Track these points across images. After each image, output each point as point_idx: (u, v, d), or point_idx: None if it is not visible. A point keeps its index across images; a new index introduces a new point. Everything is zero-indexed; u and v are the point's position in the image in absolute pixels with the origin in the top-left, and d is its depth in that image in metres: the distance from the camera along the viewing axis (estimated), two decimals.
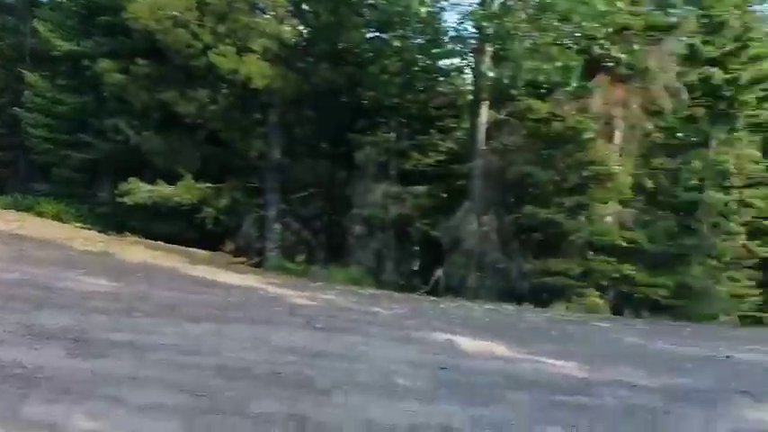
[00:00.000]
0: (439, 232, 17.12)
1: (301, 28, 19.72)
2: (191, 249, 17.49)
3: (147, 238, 18.26)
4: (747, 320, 17.71)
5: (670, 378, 8.21)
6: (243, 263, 17.16)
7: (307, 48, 19.34)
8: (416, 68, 16.51)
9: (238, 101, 17.70)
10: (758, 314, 18.17)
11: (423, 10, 14.10)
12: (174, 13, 15.89)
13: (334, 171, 19.26)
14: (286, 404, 5.40)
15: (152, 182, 17.59)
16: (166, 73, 17.63)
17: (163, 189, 17.24)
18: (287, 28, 17.04)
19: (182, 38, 16.15)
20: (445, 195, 17.57)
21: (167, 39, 16.32)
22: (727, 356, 10.35)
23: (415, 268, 19.31)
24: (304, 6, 18.73)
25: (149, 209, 17.75)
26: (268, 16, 16.76)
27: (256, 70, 15.83)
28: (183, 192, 17.24)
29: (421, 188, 17.50)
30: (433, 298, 15.01)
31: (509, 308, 14.50)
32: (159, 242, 17.90)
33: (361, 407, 5.63)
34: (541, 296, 16.35)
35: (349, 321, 9.68)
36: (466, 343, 9.02)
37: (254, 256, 17.86)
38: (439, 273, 16.48)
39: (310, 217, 19.21)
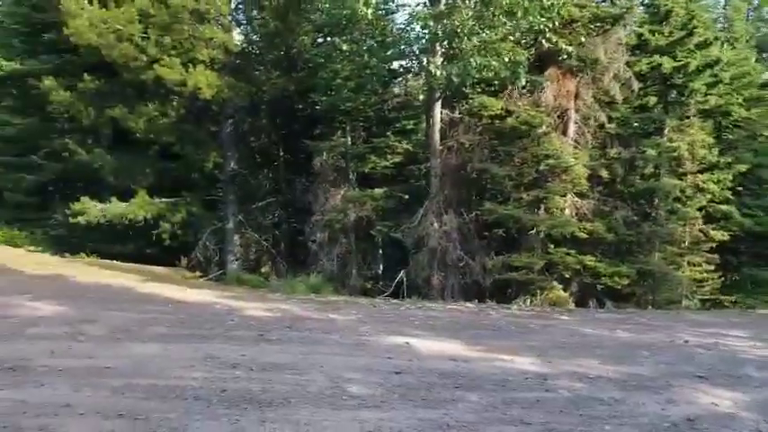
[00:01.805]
0: (401, 234, 17.02)
1: (251, 36, 19.61)
2: (148, 267, 17.11)
3: (104, 259, 17.84)
4: (708, 304, 17.97)
5: (628, 367, 8.21)
6: (201, 277, 16.86)
7: (257, 56, 19.19)
8: (368, 71, 16.38)
9: (190, 113, 17.39)
10: (718, 297, 18.42)
11: (369, 12, 13.99)
12: (117, 26, 15.54)
13: (293, 178, 19.08)
14: (227, 423, 5.25)
15: (107, 200, 17.19)
16: (115, 88, 17.24)
17: (115, 207, 16.85)
18: (234, 36, 16.78)
19: (126, 52, 15.80)
20: (406, 196, 17.49)
21: (112, 53, 15.95)
22: (685, 341, 10.43)
23: (380, 271, 19.19)
24: (251, 14, 18.52)
25: (105, 228, 17.33)
26: (213, 26, 16.48)
27: (204, 81, 15.57)
28: (137, 208, 16.87)
29: (380, 190, 17.38)
30: (395, 300, 14.89)
31: (471, 306, 14.44)
32: (116, 262, 17.50)
33: (308, 420, 5.49)
34: (505, 292, 16.38)
35: (305, 331, 9.50)
36: (424, 345, 8.92)
37: (213, 270, 17.57)
38: (401, 274, 16.38)
39: (270, 226, 19.00)
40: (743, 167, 19.96)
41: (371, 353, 8.32)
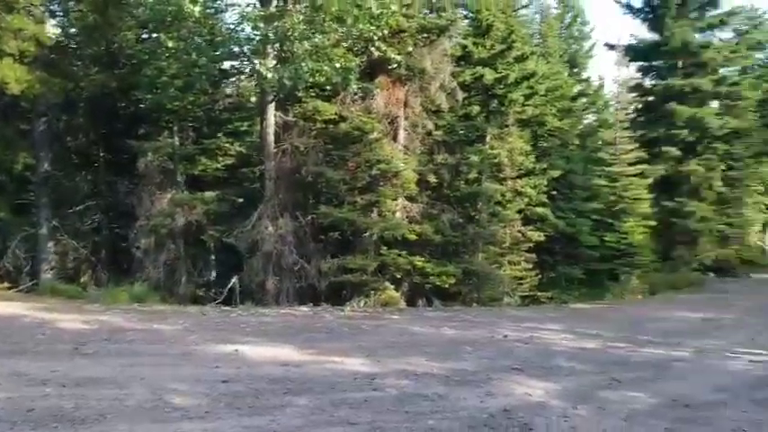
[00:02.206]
0: (234, 238, 16.56)
1: (68, 29, 18.18)
2: None
3: None
4: (527, 300, 19.27)
5: (452, 363, 8.57)
6: (10, 288, 15.28)
7: (74, 50, 17.82)
8: (197, 70, 15.76)
9: None
10: (536, 294, 19.81)
11: (196, 10, 13.47)
12: None
13: (115, 181, 17.85)
14: None
15: None
16: None
17: None
18: (48, 28, 15.44)
19: None
20: (239, 200, 17.05)
21: None
22: (505, 336, 11.10)
23: (212, 278, 18.52)
24: (67, 5, 17.16)
25: None
26: (24, 16, 15.03)
27: (12, 75, 14.15)
28: None
29: (212, 194, 16.81)
30: (227, 307, 14.46)
31: (306, 309, 14.39)
32: None
33: None
34: (340, 294, 16.50)
35: (125, 343, 8.94)
36: (254, 351, 8.74)
37: (24, 281, 15.99)
38: (234, 280, 15.95)
39: (89, 232, 17.65)
40: (556, 173, 21.63)
41: (198, 363, 8.01)
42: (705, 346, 10.53)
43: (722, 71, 27.99)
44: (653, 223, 24.18)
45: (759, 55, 32.08)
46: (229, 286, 15.87)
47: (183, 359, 8.12)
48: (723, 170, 26.99)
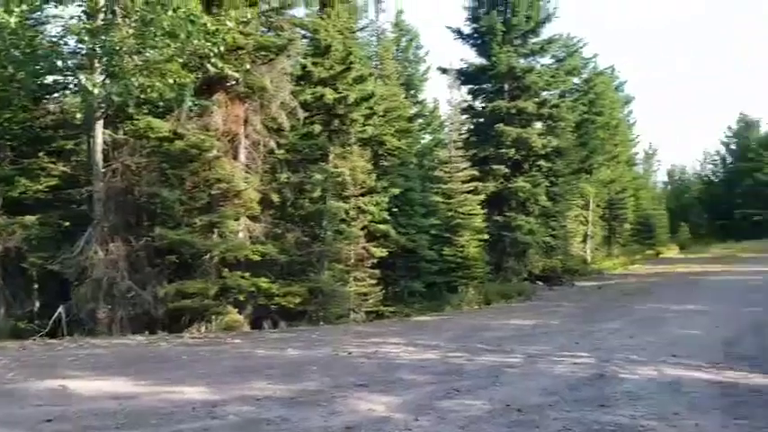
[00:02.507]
0: (59, 265, 15.34)
1: None
2: None
3: None
4: (372, 316, 19.60)
5: (296, 384, 8.48)
6: None
7: None
8: (15, 85, 14.53)
9: None
10: (380, 309, 20.21)
11: (12, 21, 12.38)
12: None
13: None
14: None
15: None
16: None
17: None
18: None
19: None
20: (65, 223, 15.84)
21: None
22: (350, 353, 11.18)
23: (36, 309, 16.99)
24: None
25: None
26: None
27: None
28: None
29: (33, 218, 15.50)
30: (53, 340, 13.34)
31: (141, 338, 13.64)
32: None
33: None
34: (180, 321, 15.78)
35: None
36: (83, 385, 8.13)
37: None
38: (60, 310, 14.74)
39: None
40: (396, 191, 22.29)
41: (17, 402, 7.31)
42: (534, 351, 11.25)
43: (544, 94, 30.35)
44: (486, 237, 25.57)
45: (575, 80, 35.25)
46: (55, 317, 14.65)
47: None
48: (547, 186, 29.23)
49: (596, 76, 37.34)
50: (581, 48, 33.10)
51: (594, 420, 6.59)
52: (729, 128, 57.25)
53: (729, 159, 57.26)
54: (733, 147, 56.86)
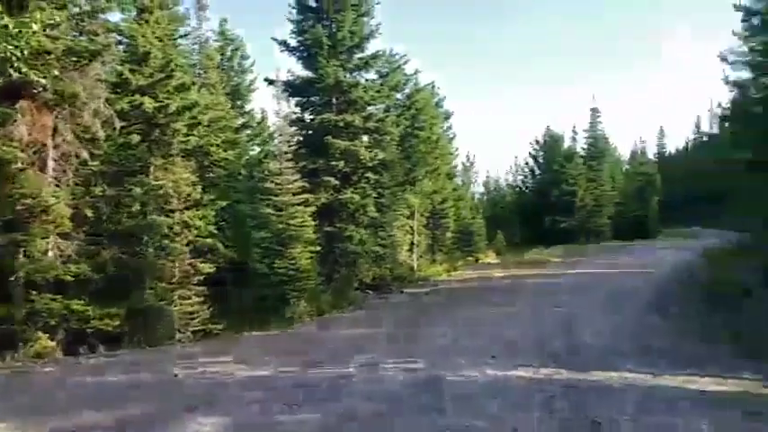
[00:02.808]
0: None
1: None
2: None
3: None
4: (199, 334, 18.76)
5: (120, 411, 7.91)
6: None
7: None
8: None
9: None
10: (209, 327, 19.39)
11: None
12: None
13: None
14: None
15: None
16: None
17: None
18: None
19: None
20: None
21: None
22: (175, 375, 10.62)
23: None
24: None
25: None
26: None
27: None
28: None
29: None
30: None
31: None
32: None
33: None
34: None
35: None
36: None
37: None
38: None
39: None
40: (224, 203, 21.65)
41: None
42: (366, 360, 11.38)
43: (370, 109, 31.04)
44: (317, 248, 25.61)
45: (399, 95, 36.49)
46: None
47: None
48: (375, 197, 29.93)
49: (417, 93, 38.81)
50: (403, 64, 34.30)
51: (428, 424, 6.78)
52: (537, 141, 62.06)
53: (538, 171, 62.02)
54: (540, 160, 61.67)
